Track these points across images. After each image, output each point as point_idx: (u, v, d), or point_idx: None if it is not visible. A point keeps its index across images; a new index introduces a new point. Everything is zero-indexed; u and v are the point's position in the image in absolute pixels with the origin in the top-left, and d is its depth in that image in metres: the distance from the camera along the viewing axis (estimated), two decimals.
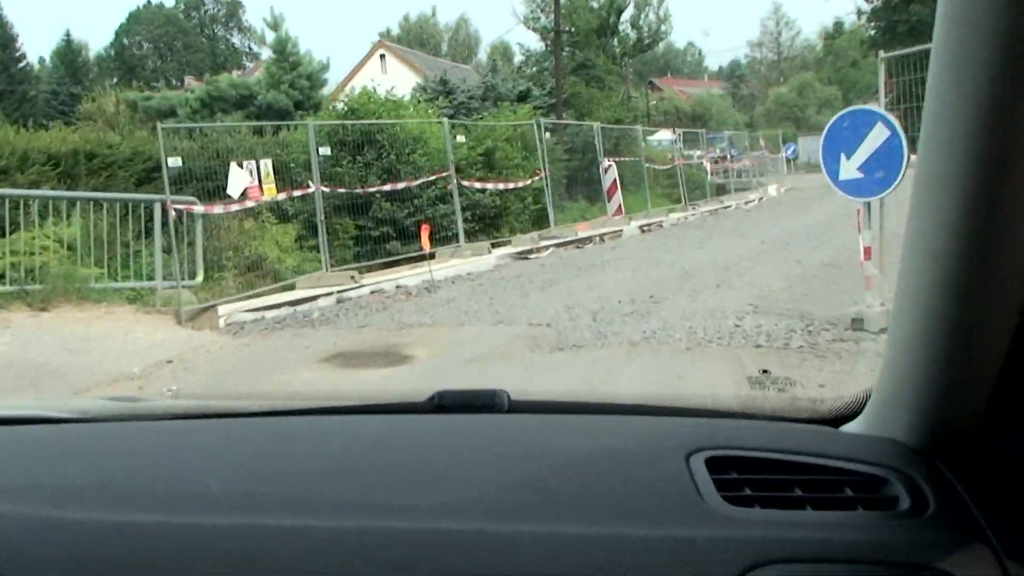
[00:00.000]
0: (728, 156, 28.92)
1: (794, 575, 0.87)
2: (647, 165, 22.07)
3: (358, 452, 1.15)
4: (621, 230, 17.43)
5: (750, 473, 1.02)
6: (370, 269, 12.84)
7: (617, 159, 20.05)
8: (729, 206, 24.83)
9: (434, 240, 13.99)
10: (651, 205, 21.55)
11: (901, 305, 0.97)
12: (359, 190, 13.57)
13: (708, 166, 25.27)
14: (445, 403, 1.26)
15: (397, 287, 10.65)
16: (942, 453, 1.01)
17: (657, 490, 0.99)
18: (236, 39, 78.35)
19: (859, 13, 56.27)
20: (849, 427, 1.16)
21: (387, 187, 14.05)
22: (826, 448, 1.07)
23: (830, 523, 0.94)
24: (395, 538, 0.92)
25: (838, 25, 68.86)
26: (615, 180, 18.16)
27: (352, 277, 10.77)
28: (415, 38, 72.85)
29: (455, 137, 16.25)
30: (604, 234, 16.66)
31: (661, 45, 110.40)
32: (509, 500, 0.98)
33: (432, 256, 11.77)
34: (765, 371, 4.69)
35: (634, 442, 1.12)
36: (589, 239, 16.10)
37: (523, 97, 26.88)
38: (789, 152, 45.15)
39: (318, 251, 12.63)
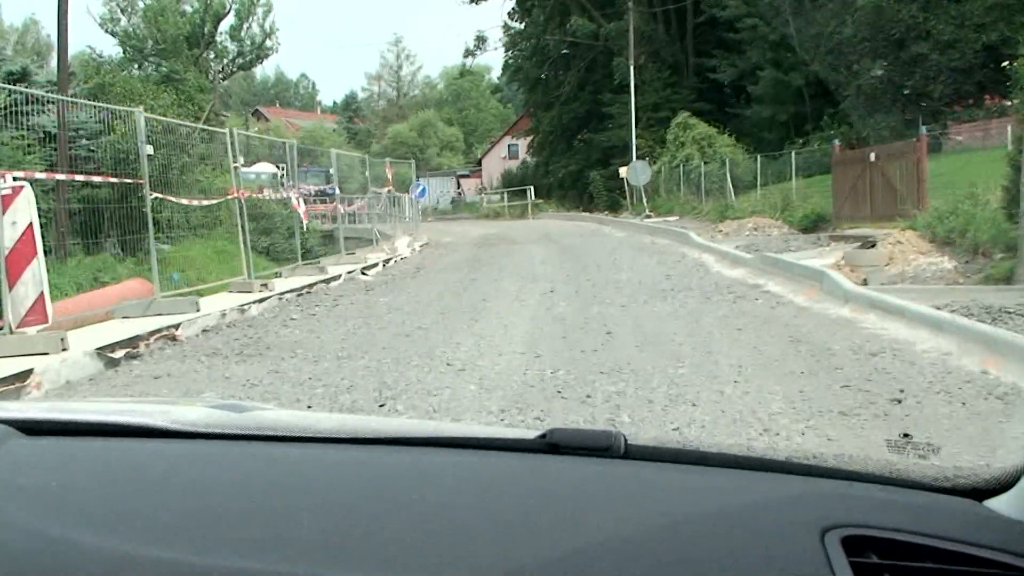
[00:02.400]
0: (335, 192, 19.29)
1: None
2: (174, 201, 11.53)
3: (467, 496, 1.11)
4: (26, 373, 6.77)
5: (891, 558, 0.99)
6: None
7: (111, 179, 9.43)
8: (337, 277, 15.08)
9: None
10: (160, 283, 11.09)
11: None
12: None
13: (301, 207, 15.25)
14: (558, 442, 1.19)
15: None
16: None
17: (790, 571, 0.96)
18: None
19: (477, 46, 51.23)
20: (996, 503, 1.10)
21: None
22: (973, 530, 1.04)
23: None
24: None
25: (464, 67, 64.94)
26: (29, 231, 7.35)
27: None
28: None
29: None
30: None
31: (272, 73, 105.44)
32: (624, 568, 0.96)
33: None
34: (906, 435, 4.11)
35: (764, 508, 1.06)
36: None
37: (19, 77, 19.87)
38: (417, 192, 36.91)
39: None
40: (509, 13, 50.46)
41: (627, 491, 1.10)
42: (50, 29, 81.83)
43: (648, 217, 28.32)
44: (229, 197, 12.52)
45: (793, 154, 22.47)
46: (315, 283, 14.12)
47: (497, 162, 63.38)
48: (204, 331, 9.58)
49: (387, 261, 18.60)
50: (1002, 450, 4.39)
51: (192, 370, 7.41)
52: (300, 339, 8.92)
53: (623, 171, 32.11)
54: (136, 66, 53.06)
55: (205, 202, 12.39)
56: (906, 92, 28.10)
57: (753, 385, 6.09)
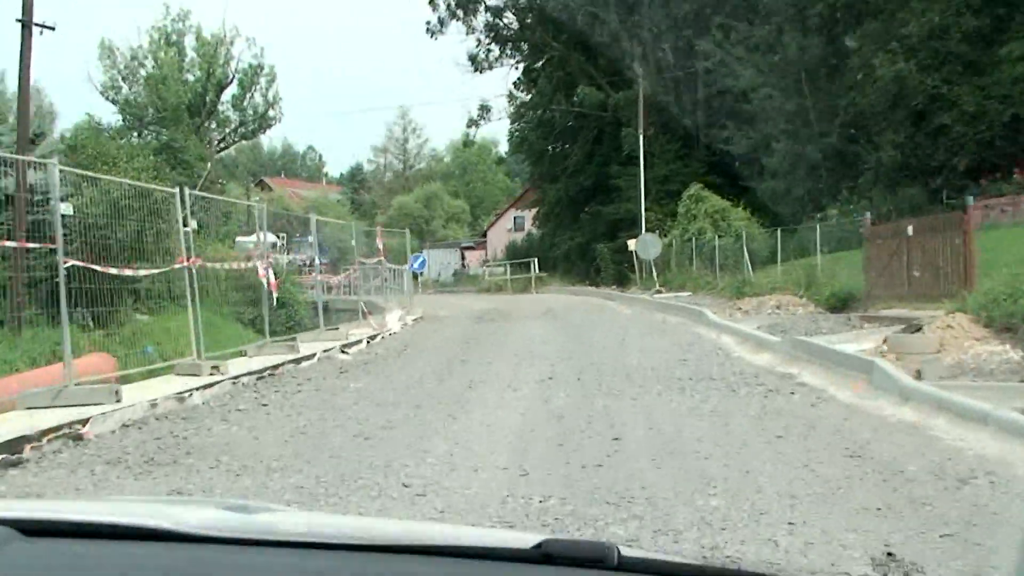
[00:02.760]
0: (314, 261, 17.93)
1: None
2: (101, 271, 10.00)
3: None
4: None
5: None
6: None
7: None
8: (311, 356, 13.46)
9: None
10: (132, 357, 9.50)
11: None
12: None
13: (268, 278, 13.72)
14: (552, 553, 1.19)
15: None
16: None
17: None
18: None
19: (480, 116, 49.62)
20: None
21: None
22: None
23: None
24: None
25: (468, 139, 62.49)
26: None
27: None
28: None
29: None
30: None
31: (279, 144, 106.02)
32: None
33: None
34: (891, 554, 3.83)
35: None
36: None
37: None
38: (417, 264, 35.73)
39: None
40: (515, 83, 49.64)
41: None
42: (53, 96, 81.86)
43: (659, 292, 26.71)
44: (177, 266, 10.95)
45: (818, 227, 20.93)
46: (283, 363, 12.47)
47: (502, 234, 62.17)
48: (124, 426, 7.90)
49: (373, 337, 16.98)
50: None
51: (73, 487, 5.74)
52: (233, 440, 7.26)
53: (631, 244, 30.60)
54: (136, 134, 52.42)
55: (143, 272, 10.80)
56: (932, 165, 26.77)
57: (816, 529, 4.41)
